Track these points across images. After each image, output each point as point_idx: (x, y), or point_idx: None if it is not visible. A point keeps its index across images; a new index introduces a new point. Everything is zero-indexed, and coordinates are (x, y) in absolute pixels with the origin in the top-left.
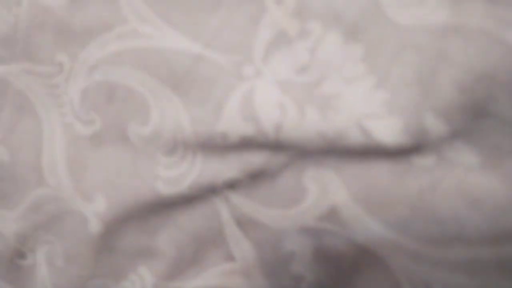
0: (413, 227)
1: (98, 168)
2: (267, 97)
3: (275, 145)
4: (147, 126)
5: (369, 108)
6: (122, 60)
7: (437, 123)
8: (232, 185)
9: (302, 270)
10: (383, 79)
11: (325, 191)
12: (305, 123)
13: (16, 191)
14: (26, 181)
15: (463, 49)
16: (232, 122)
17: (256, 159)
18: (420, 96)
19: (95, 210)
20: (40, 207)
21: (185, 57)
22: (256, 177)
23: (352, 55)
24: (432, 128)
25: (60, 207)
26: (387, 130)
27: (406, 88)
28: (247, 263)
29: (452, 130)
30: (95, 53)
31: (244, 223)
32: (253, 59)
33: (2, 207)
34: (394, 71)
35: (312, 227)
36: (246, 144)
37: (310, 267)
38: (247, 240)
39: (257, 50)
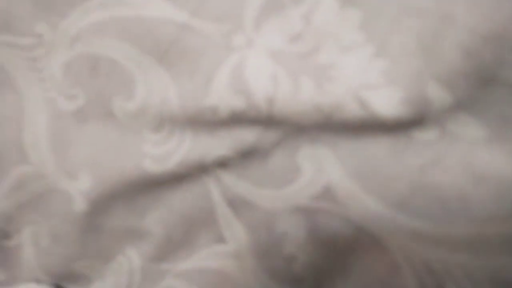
0: (413, 205)
1: (82, 145)
2: (259, 68)
3: (268, 120)
4: (132, 101)
5: (367, 78)
6: (105, 30)
7: (440, 92)
8: (223, 163)
9: (294, 251)
10: (382, 46)
11: (320, 169)
12: (299, 95)
13: (10, 170)
14: (8, 158)
15: (469, 9)
16: (222, 96)
17: (248, 136)
18: (422, 63)
19: (80, 188)
20: (23, 185)
21: (170, 26)
22: (248, 155)
23: (349, 22)
24: (435, 98)
25: (44, 185)
26: (386, 101)
27: (407, 56)
28: (238, 245)
29: (457, 100)
30: (76, 23)
31: (236, 204)
32: (243, 28)
33: None
34: (394, 37)
35: (306, 207)
36: (237, 119)
37: (303, 248)
38: (238, 222)
39: (247, 18)
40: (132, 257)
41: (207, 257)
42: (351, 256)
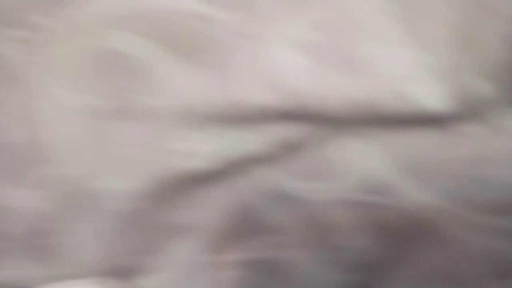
0: (468, 197)
1: (124, 144)
2: (290, 60)
3: (303, 116)
4: (159, 97)
5: (407, 72)
6: (120, 24)
7: (483, 86)
8: (264, 159)
9: (347, 242)
10: (421, 39)
11: (368, 162)
12: (335, 89)
13: (28, 171)
14: (46, 160)
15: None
16: (252, 90)
17: (290, 131)
18: (464, 56)
19: (124, 188)
20: (65, 186)
21: (185, 16)
22: (291, 150)
23: (385, 12)
24: (478, 91)
25: (86, 186)
26: (428, 96)
27: (448, 48)
28: (287, 238)
29: (503, 93)
30: (89, 17)
31: (282, 198)
32: (264, 17)
33: (25, 187)
34: (433, 30)
35: (356, 200)
36: (272, 114)
37: (355, 239)
38: (285, 215)
39: (266, 5)
40: (180, 252)
41: (257, 247)
42: (407, 246)
